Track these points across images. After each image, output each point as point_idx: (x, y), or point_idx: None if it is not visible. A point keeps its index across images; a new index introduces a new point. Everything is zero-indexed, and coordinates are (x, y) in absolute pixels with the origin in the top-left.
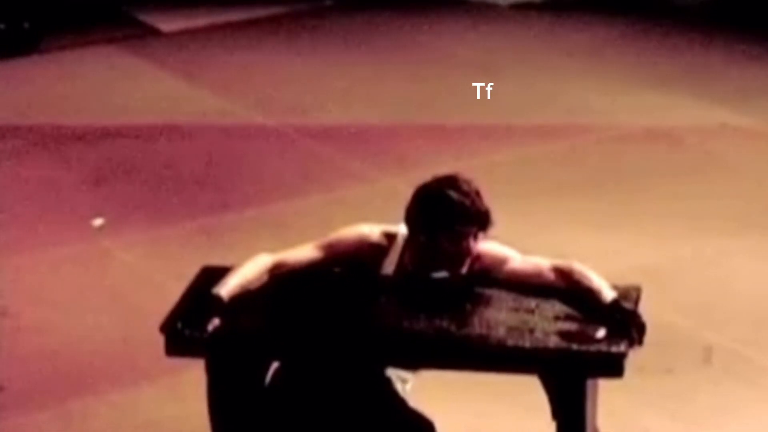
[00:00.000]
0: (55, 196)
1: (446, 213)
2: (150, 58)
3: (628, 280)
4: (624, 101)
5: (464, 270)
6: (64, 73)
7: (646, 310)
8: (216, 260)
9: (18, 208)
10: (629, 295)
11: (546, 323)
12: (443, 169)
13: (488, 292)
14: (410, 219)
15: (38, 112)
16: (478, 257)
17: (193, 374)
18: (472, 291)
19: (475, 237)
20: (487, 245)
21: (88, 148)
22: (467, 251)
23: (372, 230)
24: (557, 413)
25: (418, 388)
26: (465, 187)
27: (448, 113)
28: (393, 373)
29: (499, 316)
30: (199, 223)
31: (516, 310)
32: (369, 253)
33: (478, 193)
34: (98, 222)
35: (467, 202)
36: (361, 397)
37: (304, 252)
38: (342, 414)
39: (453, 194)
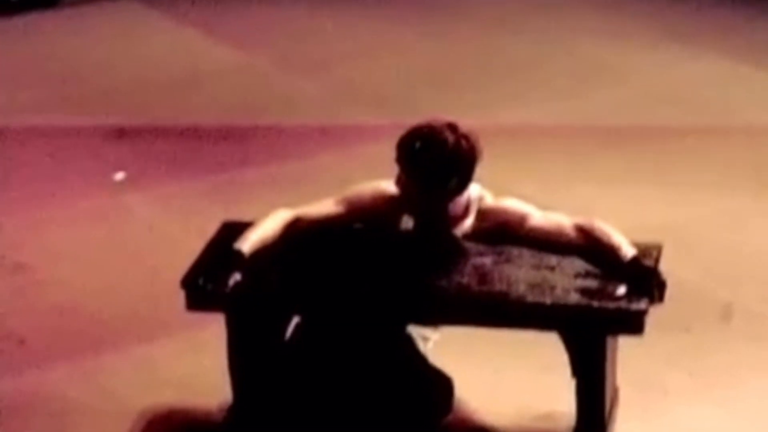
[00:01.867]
0: (76, 150)
1: (417, 167)
2: (170, 11)
3: (648, 237)
4: (644, 56)
5: (470, 223)
6: (84, 26)
7: (665, 267)
8: (236, 216)
9: (38, 161)
10: (649, 252)
11: (567, 280)
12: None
13: (509, 248)
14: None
15: (58, 66)
16: (495, 212)
17: (213, 329)
18: (493, 247)
19: (455, 191)
20: (506, 201)
21: (109, 102)
22: (443, 202)
23: (390, 185)
24: (577, 370)
25: (437, 344)
26: (439, 139)
27: (468, 69)
28: (414, 332)
29: (520, 273)
30: (219, 178)
31: (537, 267)
32: (387, 207)
33: (455, 144)
34: (119, 176)
35: (436, 156)
36: (381, 354)
37: (324, 207)
38: (361, 370)
39: (424, 147)
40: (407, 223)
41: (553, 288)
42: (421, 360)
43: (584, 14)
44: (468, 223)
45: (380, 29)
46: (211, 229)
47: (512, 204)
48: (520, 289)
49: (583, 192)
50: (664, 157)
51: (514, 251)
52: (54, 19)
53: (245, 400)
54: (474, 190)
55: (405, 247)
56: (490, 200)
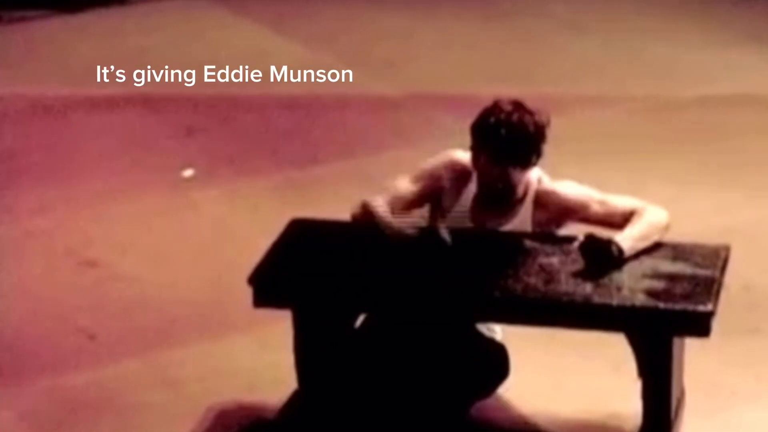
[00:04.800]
0: (146, 147)
1: (505, 152)
2: (237, 9)
3: (716, 239)
4: (714, 59)
5: (528, 203)
6: (152, 23)
7: (734, 269)
8: (303, 213)
9: (108, 158)
10: (718, 254)
11: (633, 281)
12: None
13: (575, 248)
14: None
15: (127, 63)
16: (554, 196)
17: (281, 325)
18: (560, 247)
19: (521, 168)
20: (564, 184)
21: (177, 99)
22: (511, 181)
23: (463, 155)
24: (643, 371)
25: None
26: (515, 118)
27: (539, 69)
28: (481, 326)
29: (586, 273)
30: (287, 175)
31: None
32: (459, 174)
33: (535, 125)
34: (188, 173)
35: (523, 140)
36: (443, 342)
37: (407, 189)
38: (424, 360)
39: (510, 133)
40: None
41: (619, 289)
42: (472, 331)
43: (656, 17)
44: (527, 203)
45: (448, 28)
46: (278, 226)
47: (570, 189)
48: (587, 289)
49: (654, 193)
50: (733, 157)
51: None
52: (122, 16)
53: (311, 396)
54: (534, 173)
55: (472, 244)
56: (547, 182)
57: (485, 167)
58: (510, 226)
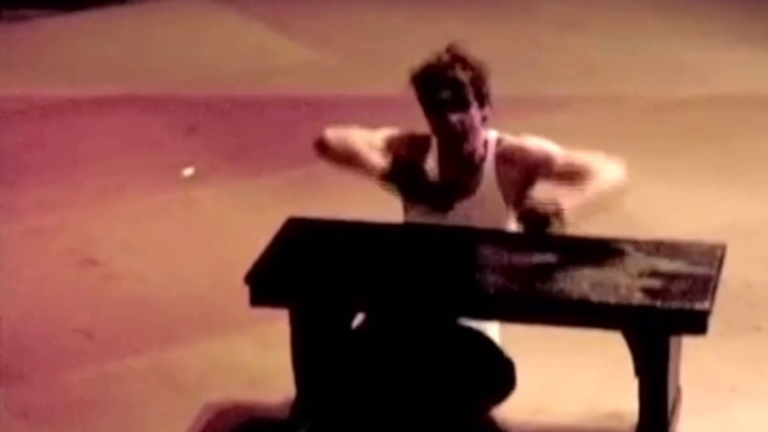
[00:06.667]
0: (146, 145)
1: (446, 87)
2: (239, 8)
3: (716, 236)
4: (714, 58)
5: (491, 164)
6: (154, 22)
7: (734, 267)
8: (304, 212)
9: (108, 157)
10: (714, 252)
11: (630, 279)
12: (527, 124)
13: (572, 244)
14: (422, 105)
15: (128, 62)
16: (519, 150)
17: (281, 324)
18: (557, 244)
19: (479, 109)
20: (526, 138)
21: (179, 98)
22: (471, 124)
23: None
24: (640, 370)
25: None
26: (449, 60)
27: (537, 68)
28: (474, 323)
29: (583, 271)
30: (286, 174)
31: (600, 264)
32: (416, 145)
33: (463, 64)
34: (188, 172)
35: (457, 73)
36: (450, 353)
37: (367, 135)
38: (427, 368)
39: (448, 71)
40: (431, 161)
41: (616, 287)
42: (483, 340)
43: (655, 16)
44: (489, 160)
45: (448, 27)
46: (279, 224)
47: (536, 144)
48: (584, 287)
49: (651, 191)
50: (732, 156)
51: (577, 248)
52: (122, 15)
53: (308, 395)
54: (491, 134)
55: (470, 241)
56: (511, 138)
57: (441, 122)
58: (478, 186)
